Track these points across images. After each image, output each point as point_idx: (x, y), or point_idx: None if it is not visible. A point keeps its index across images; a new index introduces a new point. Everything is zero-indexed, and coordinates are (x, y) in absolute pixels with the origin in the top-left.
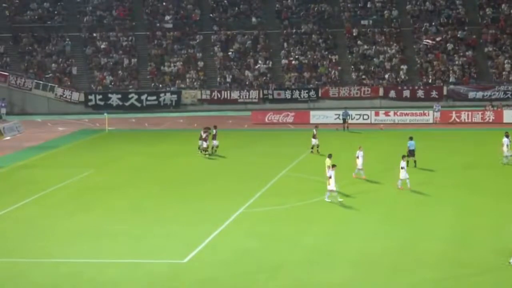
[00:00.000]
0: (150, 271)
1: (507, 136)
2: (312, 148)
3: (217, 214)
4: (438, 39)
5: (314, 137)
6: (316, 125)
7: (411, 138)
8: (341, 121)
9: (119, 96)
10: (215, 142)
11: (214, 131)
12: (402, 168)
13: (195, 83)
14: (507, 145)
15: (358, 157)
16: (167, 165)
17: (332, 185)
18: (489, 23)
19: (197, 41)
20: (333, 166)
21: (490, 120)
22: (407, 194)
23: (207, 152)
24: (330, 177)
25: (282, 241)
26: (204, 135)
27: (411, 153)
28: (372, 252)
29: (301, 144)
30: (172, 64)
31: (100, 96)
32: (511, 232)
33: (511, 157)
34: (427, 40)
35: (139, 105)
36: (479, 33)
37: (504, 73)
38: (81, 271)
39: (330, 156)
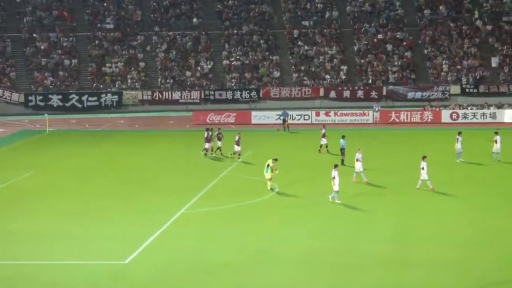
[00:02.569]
0: (92, 272)
1: (459, 134)
2: (320, 147)
3: (159, 215)
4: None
5: (323, 136)
6: (324, 124)
7: (343, 137)
8: (281, 122)
9: (60, 97)
10: (219, 143)
11: (217, 132)
12: (422, 169)
13: (136, 84)
14: (460, 143)
15: (357, 160)
16: (108, 166)
17: (336, 185)
18: (427, 25)
19: (138, 41)
20: (336, 166)
21: (429, 120)
22: (350, 194)
23: (207, 152)
24: (334, 178)
25: (223, 242)
26: (207, 136)
27: (342, 151)
28: (314, 252)
29: (242, 145)
30: (113, 65)
31: (41, 97)
32: (453, 229)
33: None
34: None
35: (80, 106)
36: (418, 34)
37: (442, 73)
38: (22, 273)
39: (275, 159)
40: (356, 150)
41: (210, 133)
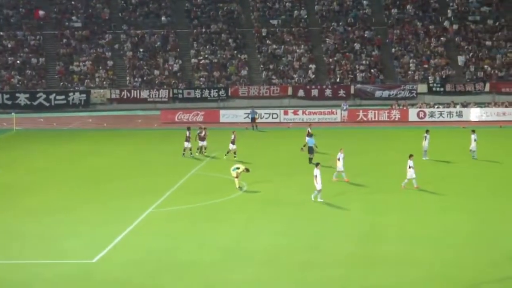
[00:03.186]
0: (60, 271)
1: (427, 132)
2: (304, 146)
3: (127, 214)
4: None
5: (308, 135)
6: (310, 123)
7: (310, 136)
8: (250, 120)
9: (27, 95)
10: (202, 143)
11: (203, 132)
12: (409, 167)
13: (104, 83)
14: (427, 141)
15: (339, 159)
16: (76, 165)
17: (319, 184)
18: (394, 24)
19: (106, 40)
20: (317, 164)
21: (396, 119)
22: (326, 193)
23: (184, 152)
24: (316, 176)
25: (191, 240)
26: (188, 135)
27: (310, 150)
28: (282, 249)
29: (210, 143)
30: (81, 64)
31: (8, 96)
32: (422, 227)
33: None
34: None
35: (47, 104)
36: (385, 33)
37: (409, 72)
38: None
39: (247, 170)
40: (339, 150)
41: (189, 133)
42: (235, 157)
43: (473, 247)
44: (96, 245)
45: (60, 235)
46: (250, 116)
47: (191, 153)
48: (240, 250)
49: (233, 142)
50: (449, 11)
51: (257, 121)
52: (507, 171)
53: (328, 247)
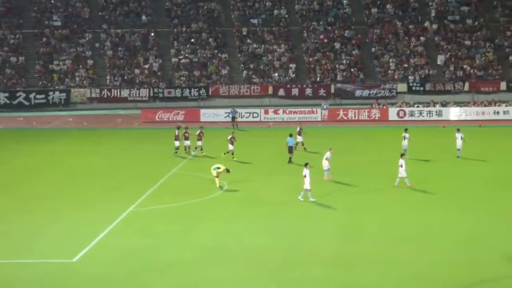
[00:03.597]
0: (40, 271)
1: (405, 131)
2: (296, 144)
3: (107, 213)
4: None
5: (298, 134)
6: (300, 122)
7: (290, 135)
8: (230, 120)
9: (7, 94)
10: (187, 142)
11: (184, 131)
12: (400, 166)
13: (84, 82)
14: (407, 140)
15: (326, 158)
16: (56, 164)
17: (307, 183)
18: (374, 23)
19: (86, 39)
20: (306, 164)
21: (376, 118)
22: (296, 190)
23: (177, 151)
24: (305, 176)
25: (172, 239)
26: (177, 134)
27: (290, 149)
28: (263, 248)
29: (191, 142)
30: (61, 63)
31: None
32: (404, 226)
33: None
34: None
35: (27, 103)
36: (365, 33)
37: (389, 72)
38: None
39: (228, 171)
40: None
41: (177, 132)
42: (233, 158)
43: (458, 246)
44: (76, 245)
45: (40, 235)
46: (230, 115)
47: (190, 152)
48: (221, 249)
49: (231, 142)
50: (432, 10)
51: (237, 120)
52: (489, 170)
53: (310, 246)
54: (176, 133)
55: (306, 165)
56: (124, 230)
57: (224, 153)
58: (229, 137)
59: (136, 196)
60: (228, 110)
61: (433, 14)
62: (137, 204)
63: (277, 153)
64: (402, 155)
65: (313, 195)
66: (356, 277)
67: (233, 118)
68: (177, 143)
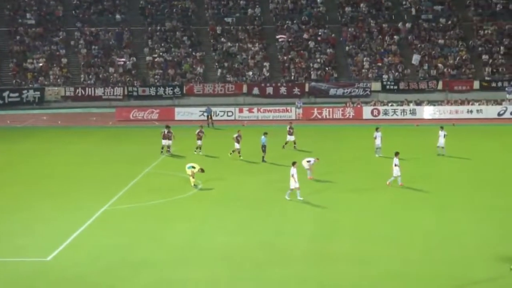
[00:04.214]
0: (14, 270)
1: (377, 130)
2: (286, 143)
3: (81, 212)
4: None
5: (289, 133)
6: (291, 121)
7: (264, 134)
8: (205, 118)
9: None
10: (167, 142)
11: (166, 130)
12: (395, 165)
13: (58, 80)
14: (380, 138)
15: (308, 161)
16: (30, 163)
17: (294, 182)
18: (348, 22)
19: (60, 37)
20: (294, 163)
21: (350, 117)
22: (271, 189)
23: (170, 150)
24: (293, 175)
25: (147, 238)
26: (165, 133)
27: (263, 148)
28: (237, 247)
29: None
30: (34, 61)
31: None
32: (376, 224)
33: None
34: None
35: (0, 102)
36: (339, 32)
37: (363, 70)
38: None
39: (202, 170)
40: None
41: (167, 130)
42: (240, 156)
43: (432, 245)
44: (50, 243)
45: (14, 233)
46: (205, 113)
47: (194, 151)
48: (195, 248)
49: (237, 141)
50: (412, 9)
51: (212, 118)
52: (465, 169)
53: (285, 245)
54: (165, 132)
55: (293, 164)
56: (99, 228)
57: (230, 153)
58: (235, 135)
59: (110, 195)
60: (203, 109)
61: (406, 13)
62: (111, 203)
63: (251, 152)
64: (396, 153)
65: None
66: (330, 276)
67: (208, 116)
68: (164, 142)
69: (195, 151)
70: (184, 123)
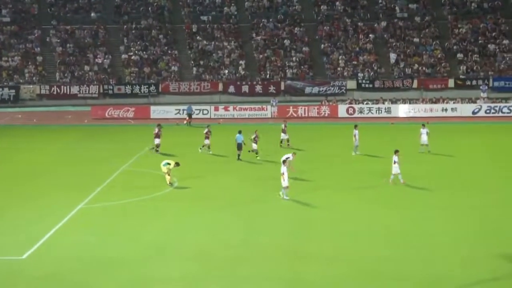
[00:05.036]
0: None
1: (355, 127)
2: (281, 142)
3: (57, 210)
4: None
5: (283, 131)
6: (285, 120)
7: (239, 132)
8: (187, 116)
9: None
10: (157, 141)
11: (157, 129)
12: (394, 162)
13: (33, 78)
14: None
15: (288, 157)
16: (5, 161)
17: (285, 181)
18: (324, 20)
19: (35, 35)
20: (284, 161)
21: (326, 115)
22: (246, 187)
23: (158, 149)
24: (283, 174)
25: (121, 236)
26: (157, 132)
27: (239, 146)
28: (212, 245)
29: (141, 139)
30: (9, 59)
31: None
32: (351, 223)
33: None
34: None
35: None
36: (315, 30)
37: (338, 69)
38: None
39: (177, 164)
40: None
41: (158, 129)
42: (257, 157)
43: (404, 242)
44: (25, 242)
45: None
46: (186, 111)
47: (200, 149)
48: (170, 246)
49: (255, 141)
50: (388, 8)
51: (191, 117)
52: (439, 166)
53: (259, 243)
54: (156, 131)
55: (283, 162)
56: (74, 227)
57: (249, 151)
58: (253, 136)
59: (86, 193)
60: (179, 107)
61: (381, 11)
62: (87, 201)
63: (227, 150)
64: (396, 151)
65: (265, 192)
66: (303, 274)
67: (189, 115)
68: (156, 141)
69: (200, 149)
70: (159, 121)
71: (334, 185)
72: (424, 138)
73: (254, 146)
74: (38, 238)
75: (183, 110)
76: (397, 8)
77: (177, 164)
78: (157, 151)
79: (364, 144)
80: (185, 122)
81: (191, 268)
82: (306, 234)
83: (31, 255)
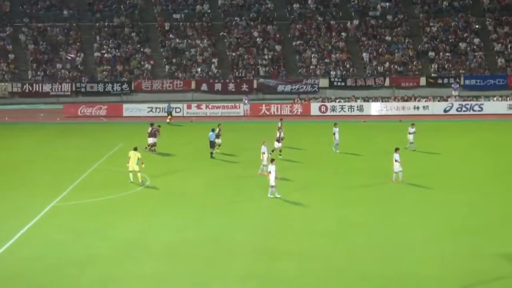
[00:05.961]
0: None
1: (335, 125)
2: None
3: (28, 209)
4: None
5: (279, 130)
6: (281, 118)
7: (212, 130)
8: (167, 114)
9: None
10: (153, 140)
11: (150, 128)
12: (396, 161)
13: (5, 76)
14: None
15: (264, 153)
16: None
17: (272, 180)
18: (296, 18)
19: (7, 33)
20: (272, 160)
21: (298, 113)
22: (220, 185)
23: (151, 148)
24: (270, 173)
25: (93, 234)
26: (151, 131)
27: (211, 144)
28: (184, 243)
29: (113, 137)
30: None
31: None
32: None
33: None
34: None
35: None
36: (287, 28)
37: (311, 67)
38: None
39: (135, 148)
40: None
41: (151, 128)
42: (280, 155)
43: (375, 241)
44: None
45: None
46: (166, 109)
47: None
48: (141, 244)
49: (278, 140)
50: (360, 6)
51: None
52: (413, 164)
53: (232, 241)
54: (149, 130)
55: (272, 161)
56: (46, 225)
57: (272, 151)
58: (278, 136)
59: (58, 191)
60: (151, 105)
61: (354, 10)
62: (59, 199)
63: (200, 148)
64: (396, 149)
65: (239, 191)
66: (275, 272)
67: (169, 113)
68: (150, 140)
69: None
70: (132, 119)
71: (309, 183)
72: (410, 137)
73: (277, 144)
74: (9, 236)
75: (156, 108)
76: (369, 6)
77: (135, 149)
78: (153, 150)
79: (340, 142)
80: (167, 120)
81: (163, 266)
82: (281, 232)
83: (2, 254)
